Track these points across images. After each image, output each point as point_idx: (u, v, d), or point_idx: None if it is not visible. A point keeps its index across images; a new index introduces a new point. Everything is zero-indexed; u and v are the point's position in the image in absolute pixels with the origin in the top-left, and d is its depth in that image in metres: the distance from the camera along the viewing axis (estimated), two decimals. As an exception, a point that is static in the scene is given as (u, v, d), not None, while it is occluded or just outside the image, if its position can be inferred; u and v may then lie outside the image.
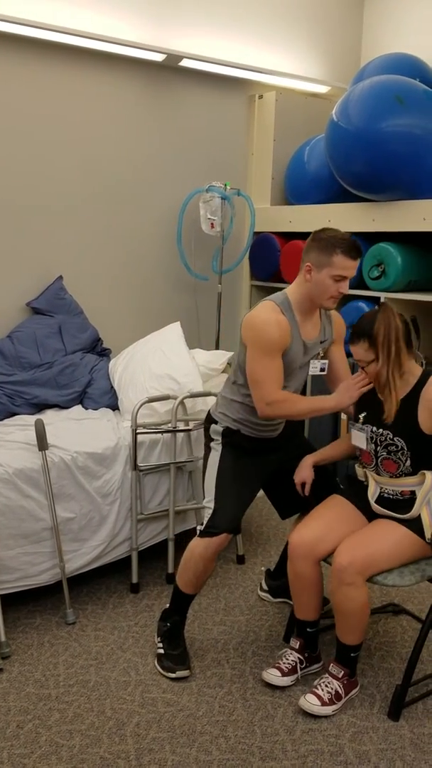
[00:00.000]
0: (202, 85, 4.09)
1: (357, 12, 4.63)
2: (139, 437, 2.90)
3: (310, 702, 2.19)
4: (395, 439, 2.22)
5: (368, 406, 2.32)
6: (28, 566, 2.63)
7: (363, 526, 2.29)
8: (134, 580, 2.92)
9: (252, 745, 2.08)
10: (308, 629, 2.37)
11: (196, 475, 3.05)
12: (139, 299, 4.10)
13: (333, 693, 2.21)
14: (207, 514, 2.36)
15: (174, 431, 2.94)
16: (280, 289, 2.86)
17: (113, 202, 3.89)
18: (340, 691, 2.23)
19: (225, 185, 3.92)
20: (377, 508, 2.28)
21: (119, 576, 3.05)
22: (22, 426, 3.02)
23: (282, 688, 2.33)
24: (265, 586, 2.91)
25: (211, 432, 2.47)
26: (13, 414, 3.25)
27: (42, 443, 2.64)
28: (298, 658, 2.37)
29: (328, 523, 2.28)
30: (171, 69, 3.94)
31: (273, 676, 2.33)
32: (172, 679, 2.36)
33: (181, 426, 2.97)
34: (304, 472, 2.42)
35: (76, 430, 2.96)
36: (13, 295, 3.61)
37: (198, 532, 2.37)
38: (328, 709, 2.20)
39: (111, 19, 3.65)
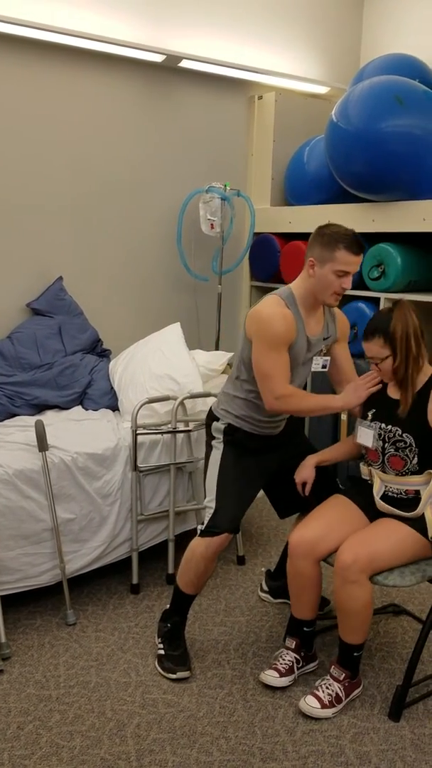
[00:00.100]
0: (201, 86, 4.09)
1: (356, 12, 4.63)
2: (139, 438, 2.90)
3: (309, 704, 2.19)
4: (404, 435, 2.22)
5: (377, 403, 2.32)
6: (29, 567, 2.63)
7: (364, 526, 2.29)
8: (134, 580, 2.92)
9: (253, 746, 2.08)
10: (305, 628, 2.36)
11: (196, 475, 3.05)
12: (139, 300, 4.10)
13: (333, 695, 2.21)
14: (208, 514, 2.36)
15: (174, 432, 2.94)
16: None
17: (113, 203, 3.89)
18: (341, 694, 2.22)
19: (225, 186, 3.92)
20: (382, 504, 2.28)
21: (119, 577, 3.05)
22: (23, 427, 3.02)
23: (282, 689, 2.33)
24: (265, 587, 2.91)
25: (212, 430, 2.47)
26: (14, 415, 3.25)
27: (42, 444, 2.63)
28: (295, 657, 2.37)
29: (329, 523, 2.28)
30: (170, 70, 3.94)
31: (271, 677, 2.32)
32: (173, 680, 2.36)
33: (181, 427, 2.97)
34: (306, 472, 2.42)
35: (76, 431, 2.96)
36: (13, 296, 3.61)
37: (199, 531, 2.37)
38: (327, 712, 2.19)
39: (110, 20, 3.65)
